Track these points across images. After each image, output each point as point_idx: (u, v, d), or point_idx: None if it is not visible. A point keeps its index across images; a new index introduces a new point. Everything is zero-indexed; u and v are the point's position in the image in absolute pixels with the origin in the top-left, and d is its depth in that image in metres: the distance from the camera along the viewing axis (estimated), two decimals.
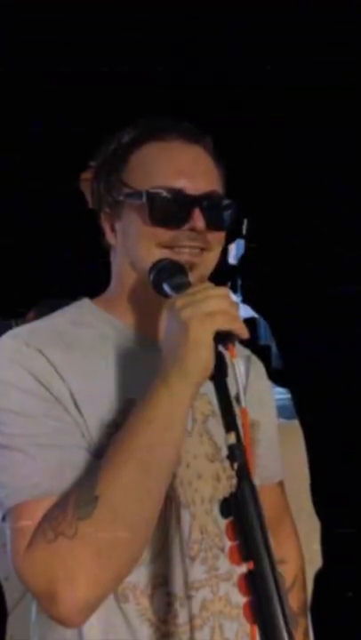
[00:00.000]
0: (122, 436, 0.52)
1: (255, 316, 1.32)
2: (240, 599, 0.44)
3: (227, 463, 0.50)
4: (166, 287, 0.56)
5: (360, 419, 1.06)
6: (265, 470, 0.69)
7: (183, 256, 0.60)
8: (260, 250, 1.20)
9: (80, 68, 0.96)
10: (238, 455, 0.46)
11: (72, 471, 0.53)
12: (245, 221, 1.20)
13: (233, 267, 1.26)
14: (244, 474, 0.45)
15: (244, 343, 0.62)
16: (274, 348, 1.27)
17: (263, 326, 1.39)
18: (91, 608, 0.50)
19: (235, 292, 1.26)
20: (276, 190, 1.10)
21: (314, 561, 1.10)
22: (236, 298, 1.19)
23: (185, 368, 0.50)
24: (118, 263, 0.65)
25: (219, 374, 0.50)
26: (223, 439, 0.48)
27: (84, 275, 0.99)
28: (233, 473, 0.46)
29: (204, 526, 0.60)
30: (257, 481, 0.49)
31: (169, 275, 0.57)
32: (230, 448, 0.46)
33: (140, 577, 0.56)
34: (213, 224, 0.60)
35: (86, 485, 0.51)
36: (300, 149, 1.05)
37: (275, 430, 0.74)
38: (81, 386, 0.57)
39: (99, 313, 0.65)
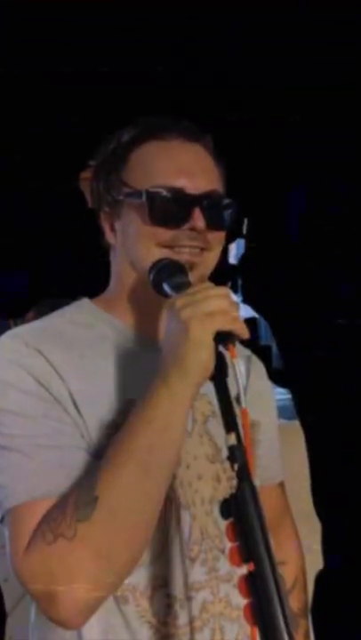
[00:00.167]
0: (121, 436, 0.51)
1: (256, 316, 1.32)
2: (240, 601, 0.43)
3: (227, 464, 0.49)
4: (166, 287, 0.56)
5: None
6: (265, 471, 0.68)
7: (183, 256, 0.59)
8: (261, 250, 1.20)
9: (80, 68, 0.96)
10: (239, 456, 0.46)
11: (71, 472, 0.53)
12: (246, 221, 1.20)
13: (233, 266, 1.26)
14: (244, 475, 0.45)
15: (245, 343, 0.62)
16: (274, 349, 1.27)
17: (264, 326, 1.39)
18: (90, 610, 0.50)
19: (235, 291, 1.25)
20: (276, 190, 1.10)
21: (314, 562, 1.10)
22: (236, 298, 1.19)
23: (185, 368, 0.50)
24: (118, 263, 0.65)
25: (219, 375, 0.50)
26: (223, 440, 0.47)
27: (83, 275, 0.99)
28: (233, 474, 0.46)
29: (205, 527, 0.60)
30: (257, 482, 0.49)
31: (169, 274, 0.57)
32: (231, 449, 0.46)
33: (139, 578, 0.56)
34: (214, 223, 0.60)
35: (86, 486, 0.51)
36: (300, 149, 1.05)
37: (275, 431, 0.74)
38: (80, 386, 0.57)
39: (98, 313, 0.64)
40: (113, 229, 0.64)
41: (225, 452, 0.47)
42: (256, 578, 0.42)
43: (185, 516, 0.59)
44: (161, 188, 0.59)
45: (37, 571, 0.49)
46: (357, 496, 1.07)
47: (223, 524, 0.46)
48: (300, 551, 0.77)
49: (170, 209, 0.59)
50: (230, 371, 0.49)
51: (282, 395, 1.35)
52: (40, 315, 0.65)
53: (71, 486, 0.52)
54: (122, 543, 0.50)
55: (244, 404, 0.47)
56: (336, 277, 1.07)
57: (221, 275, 0.70)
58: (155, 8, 0.89)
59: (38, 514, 0.51)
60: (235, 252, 1.45)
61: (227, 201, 0.62)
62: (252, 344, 0.73)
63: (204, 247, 0.61)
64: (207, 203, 0.59)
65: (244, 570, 0.43)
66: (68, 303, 0.66)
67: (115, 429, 0.54)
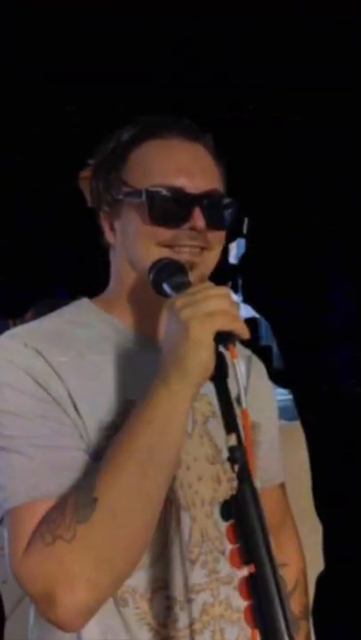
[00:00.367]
0: (121, 437, 0.51)
1: (256, 315, 1.31)
2: (241, 603, 0.43)
3: (227, 465, 0.49)
4: (166, 287, 0.56)
5: None
6: (266, 472, 0.68)
7: (183, 255, 0.59)
8: (261, 249, 1.19)
9: (80, 68, 0.96)
10: (239, 457, 0.46)
11: (71, 473, 0.53)
12: (246, 220, 1.19)
13: (234, 266, 1.26)
14: (244, 476, 0.45)
15: (245, 343, 0.61)
16: (275, 349, 1.27)
17: (264, 326, 1.38)
18: (90, 612, 0.50)
19: (235, 291, 1.25)
20: (276, 190, 1.10)
21: (315, 564, 1.09)
22: (236, 297, 1.19)
23: (185, 369, 0.49)
24: (117, 262, 0.64)
25: (219, 375, 0.50)
26: (224, 441, 0.47)
27: (83, 274, 0.99)
28: (234, 475, 0.46)
29: (205, 529, 0.59)
30: (258, 483, 0.49)
31: (169, 274, 0.56)
32: (231, 450, 0.46)
33: (139, 580, 0.56)
34: (214, 223, 0.60)
35: (85, 488, 0.50)
36: (301, 149, 1.05)
37: (276, 432, 0.74)
38: (80, 386, 0.57)
39: (98, 313, 0.64)
40: (112, 229, 0.64)
41: (225, 453, 0.47)
42: (257, 580, 0.42)
43: (185, 518, 0.58)
44: (161, 187, 0.58)
45: (36, 572, 0.49)
46: (359, 497, 1.07)
47: (223, 525, 0.45)
48: (302, 553, 0.77)
49: (170, 208, 0.58)
50: (231, 371, 0.49)
51: (283, 395, 1.35)
52: (39, 315, 0.65)
53: (70, 487, 0.52)
54: (121, 545, 0.49)
55: (244, 405, 0.46)
56: (337, 277, 1.07)
57: (222, 274, 0.70)
58: (155, 8, 0.89)
59: (37, 515, 0.51)
60: (235, 251, 1.45)
61: (227, 200, 0.62)
62: (253, 344, 0.72)
63: (205, 247, 0.61)
64: (207, 202, 0.59)
65: (244, 572, 0.43)
66: (66, 303, 0.66)
67: (114, 430, 0.54)
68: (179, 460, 0.57)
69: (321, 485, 1.14)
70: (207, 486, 0.60)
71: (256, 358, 0.75)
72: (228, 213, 0.62)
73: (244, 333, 0.49)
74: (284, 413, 0.85)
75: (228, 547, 0.44)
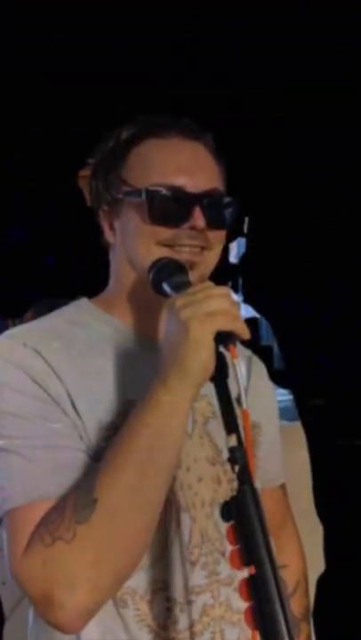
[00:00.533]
0: (121, 438, 0.51)
1: (257, 315, 1.31)
2: (241, 604, 0.43)
3: (227, 466, 0.49)
4: (166, 286, 0.56)
5: None
6: (266, 473, 0.68)
7: (183, 255, 0.59)
8: (262, 249, 1.19)
9: (80, 68, 0.96)
10: (239, 458, 0.45)
11: (70, 474, 0.52)
12: (247, 220, 1.19)
13: (234, 266, 1.26)
14: (245, 477, 0.45)
15: (246, 344, 0.61)
16: (276, 349, 1.26)
17: (265, 326, 1.38)
18: (89, 613, 0.49)
19: (236, 291, 1.25)
20: (276, 190, 1.10)
21: (316, 564, 1.09)
22: (237, 297, 1.19)
23: (185, 369, 0.49)
24: (117, 262, 0.64)
25: (219, 375, 0.49)
26: (224, 441, 0.47)
27: (82, 274, 0.98)
28: (234, 476, 0.45)
29: (205, 530, 0.59)
30: (258, 484, 0.49)
31: (169, 274, 0.56)
32: (231, 450, 0.46)
33: (139, 582, 0.55)
34: (214, 222, 0.60)
35: (84, 488, 0.50)
36: (301, 149, 1.05)
37: (276, 432, 0.73)
38: (79, 387, 0.56)
39: (97, 313, 0.64)
40: (112, 228, 0.63)
41: (225, 454, 0.47)
42: (257, 581, 0.42)
43: (185, 519, 0.58)
44: (161, 186, 0.58)
45: (35, 574, 0.48)
46: (358, 497, 1.06)
47: (224, 526, 0.45)
48: (302, 554, 0.77)
49: (170, 207, 0.58)
50: (231, 371, 0.49)
51: (283, 396, 1.34)
52: (38, 315, 0.65)
53: (70, 488, 0.51)
54: (121, 546, 0.49)
55: (244, 405, 0.46)
56: (337, 277, 1.07)
57: (222, 274, 0.69)
58: (155, 8, 0.89)
59: (37, 516, 0.50)
60: (236, 251, 1.45)
61: (227, 199, 0.61)
62: (253, 344, 0.72)
63: (205, 246, 0.60)
64: (207, 201, 0.59)
65: (244, 573, 0.43)
66: (66, 303, 0.66)
67: (114, 430, 0.54)
68: (179, 461, 0.57)
69: (321, 486, 1.14)
70: (207, 487, 0.60)
71: (257, 358, 0.74)
72: (228, 213, 0.61)
73: (245, 333, 0.49)
74: (284, 414, 0.85)
75: (229, 548, 0.44)
